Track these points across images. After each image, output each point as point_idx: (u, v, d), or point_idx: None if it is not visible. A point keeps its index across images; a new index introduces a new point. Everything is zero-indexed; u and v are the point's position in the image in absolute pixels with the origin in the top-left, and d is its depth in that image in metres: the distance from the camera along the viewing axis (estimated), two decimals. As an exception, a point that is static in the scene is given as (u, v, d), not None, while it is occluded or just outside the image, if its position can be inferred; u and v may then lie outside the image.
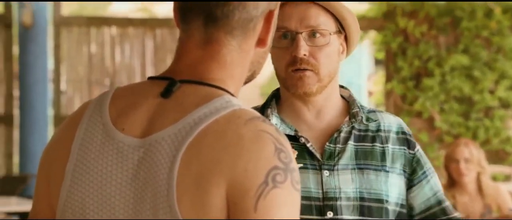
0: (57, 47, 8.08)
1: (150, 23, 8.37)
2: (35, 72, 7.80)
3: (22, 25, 7.79)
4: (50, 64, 8.09)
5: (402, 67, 7.68)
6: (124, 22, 8.37)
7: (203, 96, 1.36)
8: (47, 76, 7.93)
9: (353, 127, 2.04)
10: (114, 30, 8.14)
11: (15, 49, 8.10)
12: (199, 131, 1.32)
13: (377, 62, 12.39)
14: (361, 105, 2.08)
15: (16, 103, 8.10)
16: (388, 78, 7.91)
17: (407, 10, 7.64)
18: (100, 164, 1.37)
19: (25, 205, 6.31)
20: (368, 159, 2.03)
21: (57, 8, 8.07)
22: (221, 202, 1.29)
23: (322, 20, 2.00)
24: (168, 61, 8.05)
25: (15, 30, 8.01)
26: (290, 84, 2.00)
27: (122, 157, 1.36)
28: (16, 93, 8.08)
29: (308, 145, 2.00)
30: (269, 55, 1.79)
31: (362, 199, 2.00)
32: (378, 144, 2.05)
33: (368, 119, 2.06)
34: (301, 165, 1.97)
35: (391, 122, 2.09)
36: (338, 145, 2.02)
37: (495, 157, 7.49)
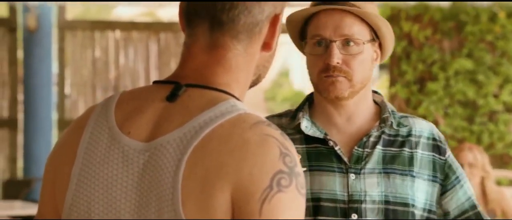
0: (61, 51, 8.09)
1: (154, 27, 8.38)
2: (40, 76, 7.81)
3: (26, 29, 7.81)
4: (54, 68, 8.11)
5: (406, 71, 7.68)
6: (128, 26, 8.38)
7: (208, 100, 1.36)
8: (51, 80, 7.94)
9: (383, 132, 2.07)
10: (118, 34, 8.16)
11: (20, 53, 8.12)
12: (204, 135, 1.32)
13: (381, 66, 12.39)
14: (392, 111, 2.11)
15: (20, 107, 8.11)
16: (392, 82, 7.92)
17: (411, 14, 7.65)
18: (105, 168, 1.38)
19: (29, 209, 6.32)
20: (395, 163, 2.05)
21: (61, 12, 8.09)
22: (226, 206, 1.29)
23: (356, 29, 2.03)
24: (172, 65, 8.06)
25: (20, 34, 8.03)
26: (322, 89, 2.04)
27: (127, 161, 1.36)
28: (20, 97, 8.10)
29: (336, 148, 2.04)
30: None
31: (387, 202, 2.03)
32: (406, 149, 2.07)
33: (399, 124, 2.09)
34: (314, 167, 2.02)
35: (422, 128, 2.11)
36: (366, 149, 2.04)
37: (500, 161, 7.48)
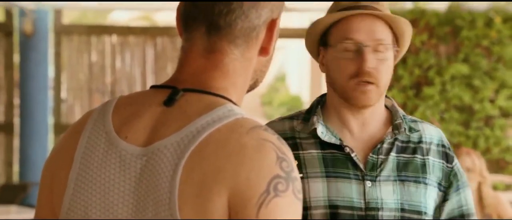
0: (57, 55, 8.09)
1: (150, 32, 8.38)
2: (36, 80, 7.81)
3: (23, 33, 7.81)
4: (51, 72, 8.10)
5: (402, 75, 7.69)
6: (124, 31, 8.38)
7: (205, 105, 1.37)
8: (47, 84, 7.94)
9: (396, 139, 2.05)
10: (114, 38, 8.15)
11: (16, 57, 8.11)
12: (201, 140, 1.32)
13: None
14: (403, 115, 2.09)
15: (16, 111, 8.10)
16: (389, 87, 7.91)
17: (407, 19, 7.65)
18: (103, 173, 1.38)
19: (25, 214, 6.31)
20: (409, 170, 2.04)
21: (57, 16, 8.08)
22: (222, 211, 1.29)
23: (386, 34, 2.02)
24: (169, 69, 8.06)
25: (16, 38, 8.02)
26: (351, 96, 2.01)
27: (125, 166, 1.36)
28: (16, 101, 8.09)
29: (353, 155, 2.01)
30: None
31: (403, 210, 2.01)
32: (419, 156, 2.06)
33: (410, 130, 2.07)
34: (318, 173, 2.01)
35: (432, 134, 2.10)
36: (380, 156, 2.03)
37: (496, 166, 7.48)
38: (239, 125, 1.33)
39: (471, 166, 4.75)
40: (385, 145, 2.04)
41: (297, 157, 2.00)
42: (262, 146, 1.31)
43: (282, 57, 17.61)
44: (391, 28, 2.04)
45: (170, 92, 1.40)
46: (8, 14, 8.04)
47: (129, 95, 1.46)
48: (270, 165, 1.30)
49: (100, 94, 8.13)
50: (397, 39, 2.07)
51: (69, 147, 1.42)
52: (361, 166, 2.01)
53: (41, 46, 7.83)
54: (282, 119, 2.11)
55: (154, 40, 8.13)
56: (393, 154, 2.04)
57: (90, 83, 8.14)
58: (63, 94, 8.18)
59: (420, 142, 2.07)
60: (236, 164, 1.30)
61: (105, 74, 8.15)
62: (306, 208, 1.99)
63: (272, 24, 1.44)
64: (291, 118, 2.10)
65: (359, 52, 1.99)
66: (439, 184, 2.07)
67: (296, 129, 2.06)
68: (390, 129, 2.06)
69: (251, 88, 1.48)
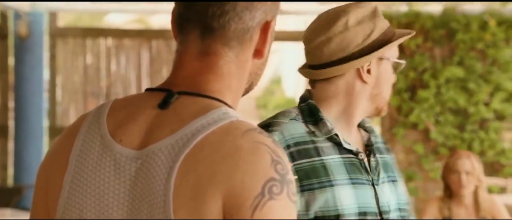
0: (52, 58, 8.08)
1: (146, 35, 8.38)
2: (31, 83, 7.80)
3: (17, 36, 7.79)
4: (46, 75, 8.09)
5: (397, 78, 7.70)
6: (120, 33, 8.37)
7: (200, 108, 1.36)
8: (42, 87, 7.93)
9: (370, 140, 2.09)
10: (110, 41, 8.15)
11: (11, 60, 8.10)
12: (196, 143, 1.32)
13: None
14: None
15: (11, 114, 8.09)
16: (384, 90, 7.91)
17: (402, 22, 7.66)
18: (97, 176, 1.37)
19: (20, 217, 6.30)
20: (389, 170, 2.09)
21: (52, 19, 8.07)
22: (217, 213, 1.29)
23: None
24: (164, 72, 8.06)
25: (11, 41, 8.01)
26: (384, 108, 2.06)
27: (119, 169, 1.36)
28: (11, 104, 8.07)
29: (365, 160, 2.03)
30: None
31: (400, 209, 2.07)
32: (385, 155, 2.12)
33: (372, 130, 2.13)
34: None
35: (375, 130, 2.14)
36: (373, 158, 2.05)
37: (490, 169, 7.49)
38: (234, 127, 1.33)
39: (471, 169, 4.72)
40: (373, 147, 2.07)
41: (321, 163, 1.97)
42: (257, 149, 1.31)
43: (278, 60, 17.60)
44: None
45: (165, 95, 1.39)
46: (3, 16, 8.03)
47: (124, 98, 1.45)
48: (265, 168, 1.30)
49: (95, 97, 8.12)
50: None
51: (64, 150, 1.42)
52: (369, 170, 2.03)
53: (36, 48, 7.82)
54: (289, 119, 2.03)
55: (150, 43, 8.12)
56: (378, 155, 2.07)
57: (85, 86, 8.13)
58: (58, 97, 8.17)
59: (377, 141, 2.11)
60: (231, 166, 1.29)
61: (100, 77, 8.14)
62: (338, 215, 1.94)
63: (266, 26, 1.44)
64: (294, 119, 2.04)
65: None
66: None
67: (315, 133, 2.01)
68: (363, 131, 2.10)
69: (246, 91, 1.48)
